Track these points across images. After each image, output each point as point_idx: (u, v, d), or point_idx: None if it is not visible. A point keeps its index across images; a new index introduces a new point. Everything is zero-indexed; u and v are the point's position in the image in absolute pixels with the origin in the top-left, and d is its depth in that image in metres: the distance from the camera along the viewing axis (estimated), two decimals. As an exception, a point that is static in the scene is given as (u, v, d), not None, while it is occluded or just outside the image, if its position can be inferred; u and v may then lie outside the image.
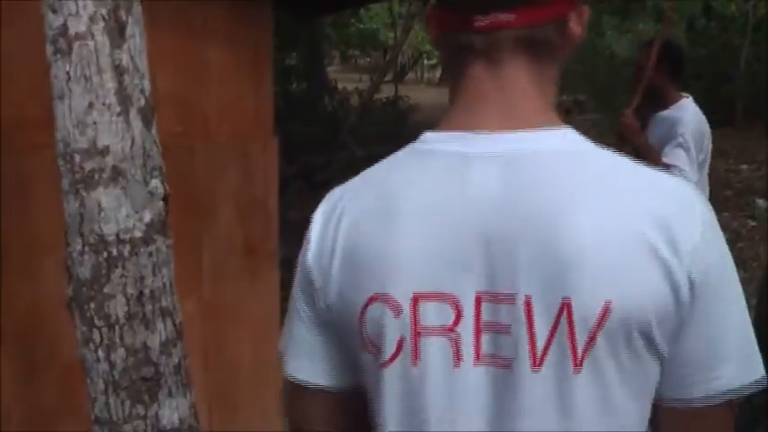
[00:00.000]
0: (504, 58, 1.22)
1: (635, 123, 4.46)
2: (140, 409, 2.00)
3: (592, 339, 1.12)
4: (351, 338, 1.26)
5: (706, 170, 4.57)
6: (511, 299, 1.14)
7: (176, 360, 2.06)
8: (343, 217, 1.28)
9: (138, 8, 1.93)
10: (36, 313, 3.52)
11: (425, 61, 32.55)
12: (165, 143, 2.15)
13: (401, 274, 1.19)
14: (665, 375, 1.19)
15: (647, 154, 4.24)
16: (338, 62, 28.94)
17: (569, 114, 19.49)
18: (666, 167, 4.03)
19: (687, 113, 4.49)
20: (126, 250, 1.91)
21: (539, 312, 1.12)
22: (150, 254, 1.95)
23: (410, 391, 1.21)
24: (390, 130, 14.52)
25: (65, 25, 1.84)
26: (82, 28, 1.84)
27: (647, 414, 1.21)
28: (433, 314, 1.18)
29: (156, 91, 2.05)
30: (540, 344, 1.13)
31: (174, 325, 2.05)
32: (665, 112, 4.56)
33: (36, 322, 3.53)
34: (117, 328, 1.94)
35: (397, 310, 1.19)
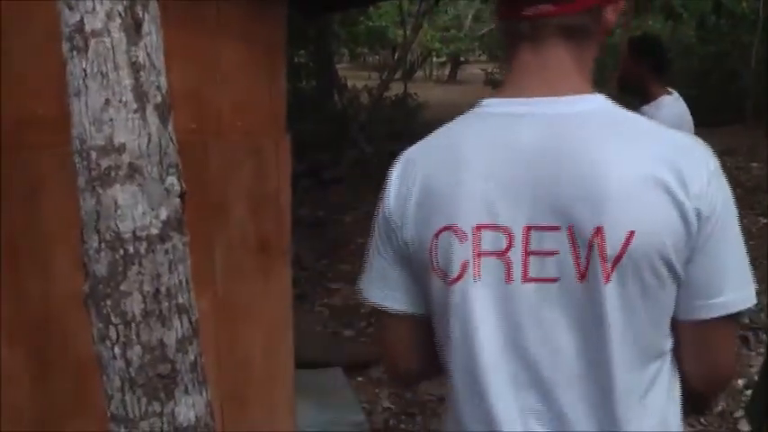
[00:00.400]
0: (546, 42, 1.54)
1: None
2: (157, 407, 2.00)
3: (618, 259, 1.43)
4: (423, 268, 1.59)
5: None
6: (556, 229, 1.46)
7: (192, 357, 2.05)
8: (418, 169, 1.63)
9: (154, 5, 1.92)
10: (48, 310, 3.52)
11: (434, 59, 32.54)
12: (179, 140, 2.14)
13: (466, 209, 1.52)
14: (677, 300, 1.51)
15: None
16: (347, 60, 28.94)
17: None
18: None
19: (662, 111, 4.47)
20: (142, 248, 1.91)
21: (579, 238, 1.45)
22: (167, 251, 1.95)
23: (469, 303, 1.54)
24: (400, 128, 14.52)
25: (81, 22, 1.83)
26: (98, 25, 1.83)
27: (666, 329, 1.53)
28: (490, 241, 1.51)
29: (170, 88, 2.05)
30: (582, 262, 1.46)
31: (191, 322, 2.05)
32: (645, 108, 4.59)
33: (48, 319, 3.53)
34: (133, 325, 1.94)
35: (462, 238, 1.52)
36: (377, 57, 30.62)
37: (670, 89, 4.72)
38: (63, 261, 3.33)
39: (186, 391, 2.04)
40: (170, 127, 1.94)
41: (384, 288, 1.69)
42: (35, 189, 3.38)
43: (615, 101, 1.58)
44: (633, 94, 4.76)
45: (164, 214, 1.93)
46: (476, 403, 1.59)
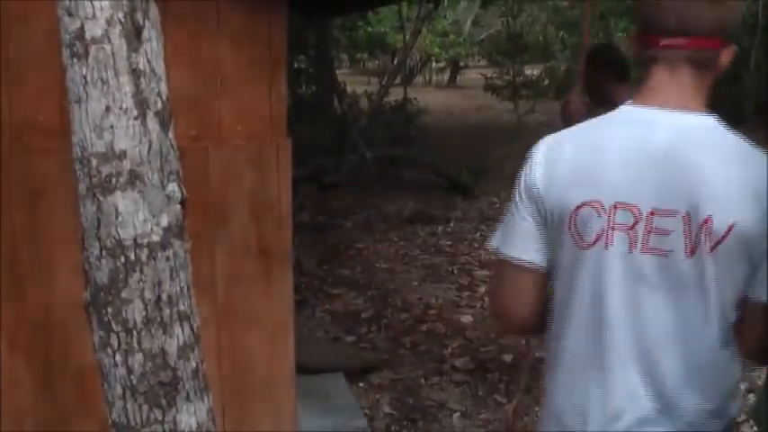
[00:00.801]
0: (677, 66, 1.96)
1: (581, 107, 4.46)
2: (158, 414, 1.99)
3: (719, 243, 1.85)
4: (560, 232, 1.98)
5: None
6: (673, 214, 1.87)
7: (194, 364, 2.04)
8: (564, 151, 2.01)
9: (154, 11, 1.92)
10: (50, 317, 3.51)
11: (434, 64, 32.53)
12: (180, 145, 2.14)
13: (606, 190, 1.92)
14: (755, 283, 1.90)
15: None
16: (347, 65, 28.94)
17: (579, 116, 19.48)
18: None
19: None
20: (143, 255, 1.90)
21: (692, 224, 1.86)
22: (168, 258, 1.94)
23: (600, 265, 1.94)
24: (399, 133, 14.52)
25: (81, 29, 1.83)
26: (98, 31, 1.83)
27: (736, 299, 1.93)
28: (621, 217, 1.91)
29: (171, 93, 2.05)
30: (691, 242, 1.86)
31: (192, 329, 2.04)
32: None
33: (50, 326, 3.53)
34: (135, 332, 1.93)
35: (601, 212, 1.92)
36: (376, 62, 30.63)
37: None
38: (65, 267, 3.33)
39: (188, 399, 2.03)
40: (171, 133, 1.93)
41: (521, 244, 2.04)
42: (36, 195, 3.39)
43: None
44: (601, 105, 4.45)
45: (165, 221, 1.92)
46: (593, 354, 1.99)
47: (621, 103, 4.49)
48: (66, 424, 3.58)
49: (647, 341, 1.94)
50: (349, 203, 10.66)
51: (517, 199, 2.06)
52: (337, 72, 17.68)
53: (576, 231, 1.95)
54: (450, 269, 7.64)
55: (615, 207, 1.91)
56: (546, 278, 2.07)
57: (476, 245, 8.66)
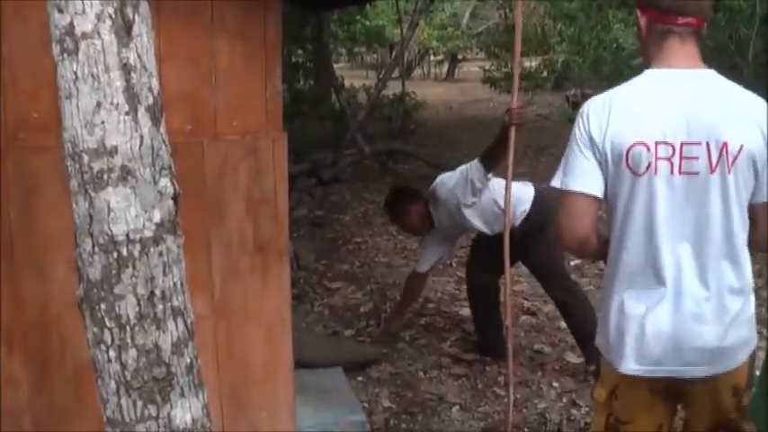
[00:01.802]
0: (686, 38, 2.69)
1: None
2: (152, 410, 1.99)
3: (734, 161, 2.59)
4: (617, 166, 2.63)
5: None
6: (699, 144, 2.58)
7: (188, 360, 2.04)
8: (613, 103, 2.66)
9: (145, 6, 1.91)
10: (47, 314, 3.51)
11: (432, 57, 32.51)
12: (175, 140, 2.13)
13: (649, 131, 2.60)
14: (757, 190, 2.68)
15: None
16: (345, 59, 28.90)
17: (576, 108, 19.44)
18: None
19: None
20: (136, 250, 1.90)
21: (713, 149, 2.58)
22: (161, 253, 1.94)
23: (651, 187, 2.62)
24: (398, 127, 14.50)
25: (71, 24, 1.82)
26: (89, 27, 1.82)
27: (747, 202, 2.68)
28: (662, 151, 2.60)
29: (165, 88, 2.04)
30: (713, 163, 2.59)
31: (186, 325, 2.03)
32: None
33: (47, 323, 3.52)
34: (128, 328, 1.92)
35: (648, 148, 2.60)
36: (374, 56, 30.59)
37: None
38: (61, 265, 3.32)
39: (182, 394, 2.03)
40: (162, 128, 1.93)
41: (582, 178, 2.68)
42: (32, 192, 3.38)
43: None
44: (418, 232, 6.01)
45: (157, 216, 1.92)
46: (646, 253, 2.68)
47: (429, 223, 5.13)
48: (63, 421, 3.58)
49: (688, 237, 2.65)
50: (347, 198, 10.66)
51: (576, 146, 2.70)
52: (335, 66, 17.64)
53: (631, 164, 2.61)
54: (448, 262, 7.62)
55: (657, 144, 2.59)
56: (600, 204, 2.73)
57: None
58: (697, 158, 2.59)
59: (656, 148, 2.59)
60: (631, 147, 2.59)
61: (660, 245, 2.66)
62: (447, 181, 5.42)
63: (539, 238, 5.26)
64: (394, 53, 18.32)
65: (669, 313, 2.69)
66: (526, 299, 6.74)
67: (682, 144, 2.59)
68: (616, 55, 15.86)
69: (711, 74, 2.70)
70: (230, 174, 3.62)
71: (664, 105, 2.62)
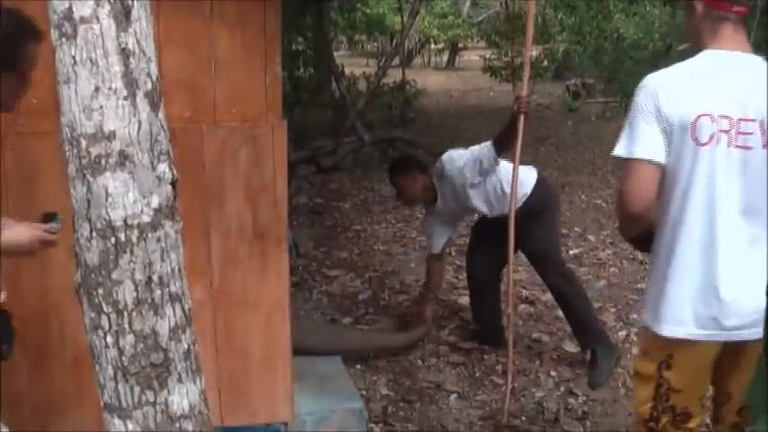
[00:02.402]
0: (738, 24, 2.92)
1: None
2: (150, 396, 1.99)
3: None
4: (682, 136, 2.80)
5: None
6: (753, 121, 2.81)
7: (186, 346, 2.04)
8: (678, 78, 2.87)
9: (143, -9, 1.90)
10: (46, 300, 3.51)
11: (432, 46, 32.45)
12: (173, 127, 2.12)
13: (712, 105, 2.79)
14: None
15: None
16: (345, 47, 28.85)
17: (578, 98, 19.40)
18: None
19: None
20: (134, 236, 1.90)
21: (765, 125, 2.80)
22: (158, 239, 1.94)
23: (712, 157, 2.81)
24: (398, 115, 14.48)
25: (70, 9, 1.82)
26: (87, 11, 1.82)
27: None
28: (723, 124, 2.80)
29: (164, 74, 2.03)
30: (765, 138, 2.82)
31: (184, 310, 2.03)
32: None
33: (46, 310, 3.53)
34: (125, 313, 1.93)
35: (712, 120, 2.79)
36: (375, 44, 30.54)
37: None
38: (60, 251, 3.31)
39: (180, 380, 2.03)
40: (161, 114, 1.93)
41: (650, 147, 2.83)
42: (32, 177, 3.38)
43: None
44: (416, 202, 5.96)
45: (155, 202, 1.92)
46: (706, 221, 2.86)
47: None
48: (62, 407, 3.59)
49: (742, 207, 2.85)
50: (347, 186, 10.65)
51: (642, 117, 2.84)
52: (335, 54, 17.61)
53: (695, 135, 2.80)
54: (447, 251, 7.62)
55: (719, 116, 2.79)
56: (663, 172, 2.87)
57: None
58: (751, 134, 2.81)
59: (718, 121, 2.80)
60: (698, 118, 2.80)
61: (717, 213, 2.85)
62: (456, 159, 5.38)
63: (536, 221, 5.27)
64: (394, 41, 18.30)
65: (727, 279, 2.88)
66: (524, 287, 6.74)
67: (739, 120, 2.81)
68: (617, 45, 15.82)
69: (761, 60, 2.94)
70: (229, 161, 3.62)
71: (723, 82, 2.85)
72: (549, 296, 6.24)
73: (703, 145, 2.82)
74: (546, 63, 18.60)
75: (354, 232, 8.54)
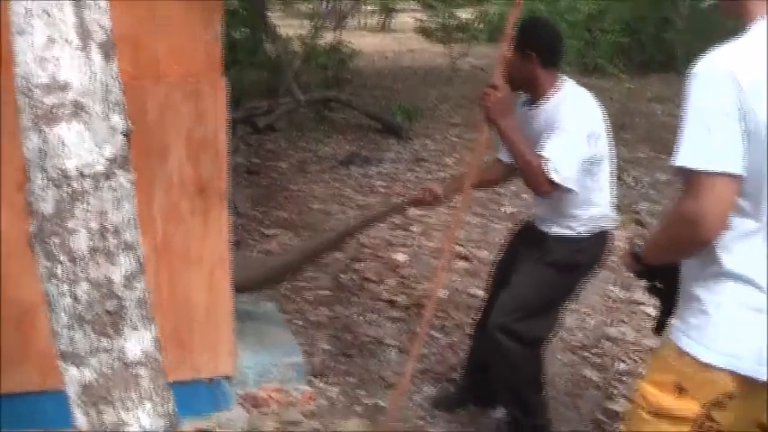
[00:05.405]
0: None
1: (506, 104, 3.68)
2: (105, 343, 2.03)
3: None
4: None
5: (605, 176, 3.87)
6: None
7: (139, 294, 2.08)
8: (756, 63, 2.23)
9: (96, -57, 1.92)
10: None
11: (366, 7, 32.33)
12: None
13: None
14: None
15: (516, 142, 3.66)
16: (280, 8, 28.63)
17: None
18: (538, 159, 3.57)
19: (567, 101, 3.78)
20: (88, 185, 1.93)
21: None
22: (112, 188, 1.97)
23: None
24: (333, 76, 14.47)
25: (23, -40, 1.84)
26: (40, -37, 1.84)
27: None
28: None
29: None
30: None
31: (137, 259, 2.07)
32: (543, 105, 3.85)
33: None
34: (81, 262, 1.96)
35: None
36: (309, 5, 30.36)
37: (563, 75, 3.91)
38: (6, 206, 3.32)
39: (134, 327, 2.07)
40: (114, 65, 1.96)
41: (732, 157, 2.21)
42: None
43: None
44: (516, 90, 3.94)
45: (109, 152, 1.95)
46: None
47: (543, 91, 3.92)
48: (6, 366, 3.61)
49: None
50: (283, 146, 10.64)
51: (718, 116, 2.23)
52: (270, 15, 17.49)
53: None
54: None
55: None
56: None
57: (409, 185, 8.72)
58: None
59: None
60: None
61: None
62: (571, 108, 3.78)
63: (553, 266, 3.93)
64: (329, 3, 18.23)
65: None
66: (461, 245, 6.84)
67: None
68: (551, 6, 15.94)
69: None
70: (171, 116, 3.64)
71: None
72: (485, 252, 6.37)
73: None
74: (481, 25, 18.67)
75: (291, 192, 8.57)
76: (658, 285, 2.65)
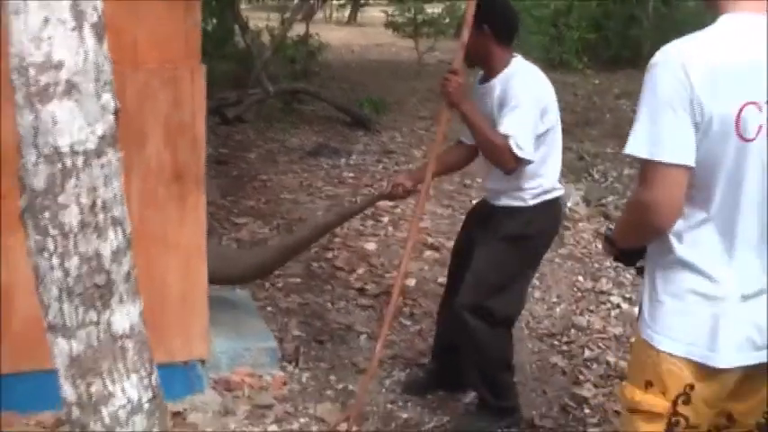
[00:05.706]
0: None
1: (460, 90, 3.83)
2: (93, 315, 2.09)
3: None
4: (724, 132, 2.27)
5: (555, 148, 3.98)
6: None
7: (126, 268, 2.15)
8: (711, 56, 2.27)
9: (89, -73, 1.98)
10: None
11: (334, 1, 32.35)
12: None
13: (757, 89, 2.26)
14: None
15: (478, 123, 3.80)
16: (249, 0, 28.60)
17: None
18: (502, 138, 3.68)
19: (517, 76, 3.86)
20: (80, 161, 1.99)
21: None
22: (102, 165, 2.03)
23: (761, 154, 2.29)
24: (301, 68, 14.52)
25: (18, -58, 1.89)
26: (35, -55, 1.89)
27: None
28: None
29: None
30: None
31: (125, 235, 2.13)
32: (495, 80, 3.91)
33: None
34: (71, 236, 2.02)
35: (759, 108, 2.27)
36: (277, -3, 30.31)
37: (514, 53, 3.98)
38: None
39: (121, 301, 2.14)
40: (105, 46, 2.02)
41: (681, 149, 2.27)
42: None
43: None
44: (472, 67, 4.07)
45: (100, 130, 2.02)
46: (759, 228, 2.38)
47: (498, 68, 3.99)
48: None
49: None
50: (252, 137, 10.68)
51: (668, 107, 2.28)
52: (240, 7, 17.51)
53: (741, 128, 2.27)
54: (353, 200, 7.77)
55: (765, 103, 2.28)
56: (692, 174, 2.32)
57: (378, 176, 8.81)
58: None
59: (765, 108, 2.29)
60: (743, 107, 2.27)
61: None
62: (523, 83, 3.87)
63: (509, 239, 4.02)
64: (297, -5, 18.23)
65: None
66: (429, 235, 6.92)
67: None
68: (518, 2, 16.05)
69: None
70: (150, 102, 3.69)
71: (757, 57, 2.30)
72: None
73: (750, 140, 2.30)
74: (448, 20, 18.74)
75: (261, 182, 8.61)
76: (639, 266, 2.71)
